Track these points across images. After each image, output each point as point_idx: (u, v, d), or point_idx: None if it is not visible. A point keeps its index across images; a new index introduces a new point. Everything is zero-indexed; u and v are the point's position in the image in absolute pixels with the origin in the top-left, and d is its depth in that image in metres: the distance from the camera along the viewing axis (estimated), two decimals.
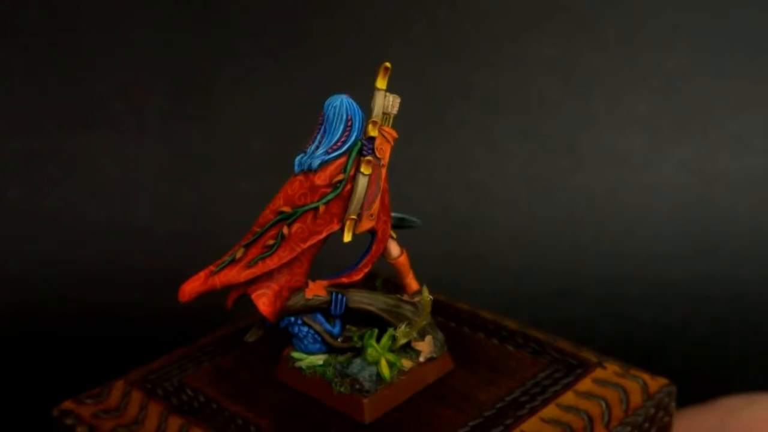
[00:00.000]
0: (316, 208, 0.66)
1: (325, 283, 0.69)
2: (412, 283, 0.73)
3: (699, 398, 1.07)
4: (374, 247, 0.69)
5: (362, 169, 0.66)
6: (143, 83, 1.36)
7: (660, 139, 1.39)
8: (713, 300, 1.26)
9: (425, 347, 0.71)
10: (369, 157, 0.66)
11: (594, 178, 1.38)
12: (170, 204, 1.35)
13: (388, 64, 0.66)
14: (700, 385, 1.10)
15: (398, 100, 0.67)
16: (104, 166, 1.36)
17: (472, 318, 0.82)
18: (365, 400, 0.67)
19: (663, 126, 1.39)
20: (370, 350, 0.69)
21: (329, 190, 0.66)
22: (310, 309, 0.69)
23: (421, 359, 0.71)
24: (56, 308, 1.24)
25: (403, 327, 0.70)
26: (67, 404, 0.73)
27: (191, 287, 0.67)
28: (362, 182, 0.66)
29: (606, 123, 1.39)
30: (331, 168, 0.66)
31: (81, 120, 1.35)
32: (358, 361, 0.69)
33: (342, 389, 0.68)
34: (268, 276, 0.67)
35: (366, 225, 0.67)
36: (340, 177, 0.66)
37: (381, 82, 0.66)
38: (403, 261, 0.72)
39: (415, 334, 0.71)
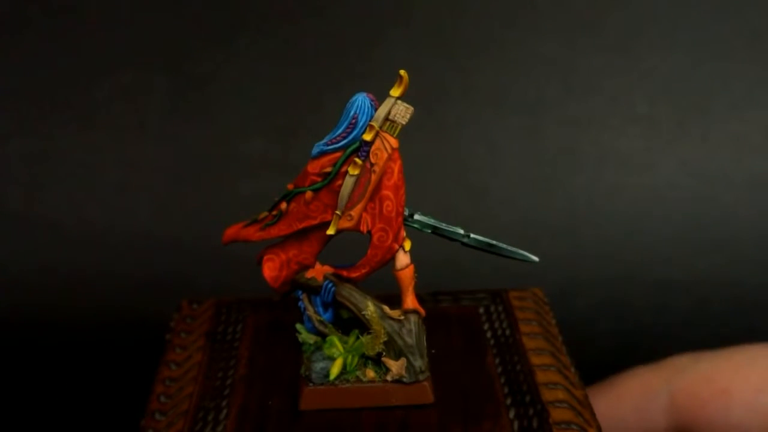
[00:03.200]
0: (304, 193, 0.69)
1: (328, 269, 0.72)
2: (407, 300, 0.71)
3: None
4: (369, 252, 0.70)
5: (348, 169, 0.67)
6: (143, 83, 1.36)
7: (660, 139, 1.39)
8: (713, 300, 1.26)
9: (394, 367, 0.70)
10: (357, 159, 0.67)
11: (594, 178, 1.38)
12: (170, 205, 1.35)
13: (402, 72, 0.66)
14: None
15: (410, 110, 0.67)
16: (104, 166, 1.36)
17: (528, 380, 0.75)
18: (305, 389, 0.70)
19: (663, 126, 1.39)
20: (326, 345, 0.71)
21: (319, 179, 0.68)
22: (309, 288, 0.72)
23: (388, 378, 0.70)
24: (56, 311, 1.24)
25: (367, 336, 0.71)
26: (184, 303, 0.86)
27: (228, 232, 0.73)
28: (347, 182, 0.68)
29: (606, 123, 1.39)
30: (324, 159, 0.68)
31: (81, 120, 1.35)
32: (323, 352, 0.71)
33: (302, 371, 0.72)
34: (281, 244, 0.72)
35: (343, 224, 0.69)
36: (328, 169, 0.68)
37: (394, 90, 0.67)
38: (403, 275, 0.71)
39: (379, 348, 0.70)
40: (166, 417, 0.72)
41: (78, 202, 1.34)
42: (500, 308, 0.85)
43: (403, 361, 0.70)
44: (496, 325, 0.83)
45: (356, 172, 0.67)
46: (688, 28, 1.39)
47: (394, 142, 0.67)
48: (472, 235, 0.74)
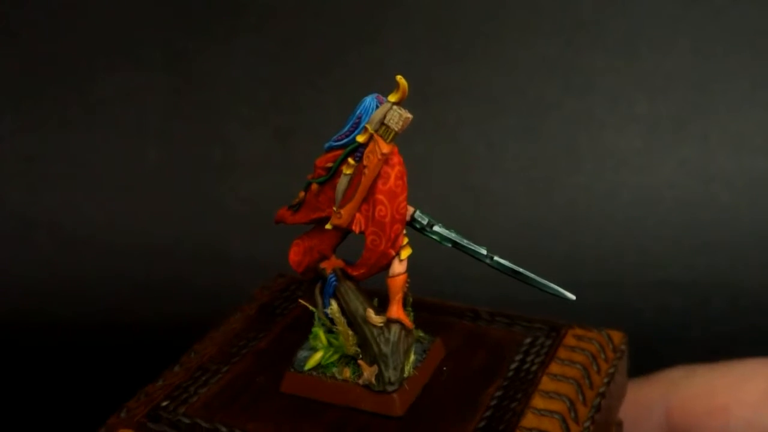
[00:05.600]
0: (310, 185, 0.70)
1: (338, 264, 0.72)
2: (392, 309, 0.70)
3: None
4: (364, 254, 0.70)
5: (343, 168, 0.68)
6: (143, 83, 1.36)
7: (660, 139, 1.39)
8: (713, 300, 1.26)
9: (366, 372, 0.70)
10: (350, 159, 0.67)
11: (594, 178, 1.38)
12: (170, 205, 1.35)
13: (398, 78, 0.64)
14: None
15: (404, 117, 0.65)
16: (104, 166, 1.36)
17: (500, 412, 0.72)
18: (287, 373, 0.72)
19: (663, 126, 1.40)
20: (311, 336, 0.72)
21: (323, 173, 0.69)
22: (322, 279, 0.73)
23: (360, 381, 0.70)
24: (55, 311, 1.24)
25: (340, 337, 0.71)
26: (276, 275, 0.88)
27: (278, 212, 0.74)
28: (342, 180, 0.68)
29: (606, 123, 1.39)
30: (330, 155, 0.68)
31: (81, 120, 1.35)
32: (309, 342, 0.73)
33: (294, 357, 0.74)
34: (309, 232, 0.73)
35: (334, 221, 0.69)
36: (329, 165, 0.68)
37: (391, 96, 0.65)
38: (392, 283, 0.70)
39: (355, 350, 0.71)
40: (181, 369, 0.76)
41: (78, 202, 1.34)
42: (548, 342, 0.80)
43: (375, 368, 0.70)
44: (529, 358, 0.77)
45: (349, 171, 0.67)
46: (688, 28, 1.39)
47: (384, 148, 0.65)
48: (495, 258, 0.71)
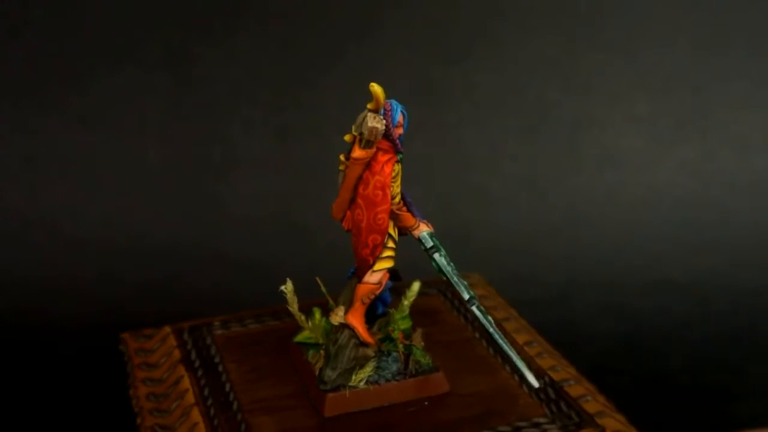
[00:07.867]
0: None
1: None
2: (348, 313, 0.70)
3: (699, 400, 1.07)
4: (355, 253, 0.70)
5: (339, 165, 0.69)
6: (143, 83, 1.36)
7: (660, 139, 1.39)
8: (713, 300, 1.26)
9: (318, 364, 0.72)
10: (341, 157, 0.68)
11: (594, 178, 1.38)
12: (170, 206, 1.35)
13: (371, 86, 0.63)
14: (701, 386, 1.10)
15: (369, 126, 0.63)
16: (104, 166, 1.36)
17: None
18: (291, 341, 0.77)
19: (663, 126, 1.40)
20: (311, 315, 0.75)
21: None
22: None
23: (315, 369, 0.72)
24: (54, 311, 1.24)
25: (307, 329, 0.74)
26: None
27: None
28: (339, 175, 0.69)
29: (606, 123, 1.39)
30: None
31: (81, 120, 1.35)
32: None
33: None
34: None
35: (331, 213, 0.70)
36: (341, 157, 0.69)
37: (369, 103, 0.65)
38: (357, 287, 0.70)
39: (318, 339, 0.73)
40: (263, 309, 0.85)
41: (78, 202, 1.34)
42: (560, 424, 0.71)
43: (321, 363, 0.72)
44: (522, 424, 0.71)
45: (341, 168, 0.68)
46: (687, 27, 1.39)
47: (355, 152, 0.65)
48: (473, 307, 0.70)
